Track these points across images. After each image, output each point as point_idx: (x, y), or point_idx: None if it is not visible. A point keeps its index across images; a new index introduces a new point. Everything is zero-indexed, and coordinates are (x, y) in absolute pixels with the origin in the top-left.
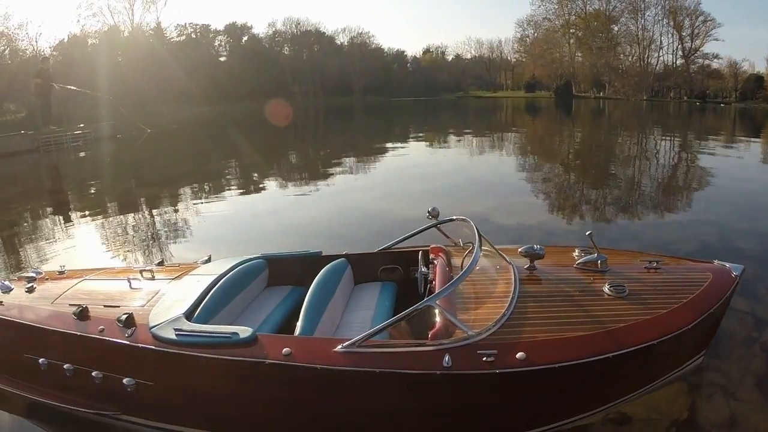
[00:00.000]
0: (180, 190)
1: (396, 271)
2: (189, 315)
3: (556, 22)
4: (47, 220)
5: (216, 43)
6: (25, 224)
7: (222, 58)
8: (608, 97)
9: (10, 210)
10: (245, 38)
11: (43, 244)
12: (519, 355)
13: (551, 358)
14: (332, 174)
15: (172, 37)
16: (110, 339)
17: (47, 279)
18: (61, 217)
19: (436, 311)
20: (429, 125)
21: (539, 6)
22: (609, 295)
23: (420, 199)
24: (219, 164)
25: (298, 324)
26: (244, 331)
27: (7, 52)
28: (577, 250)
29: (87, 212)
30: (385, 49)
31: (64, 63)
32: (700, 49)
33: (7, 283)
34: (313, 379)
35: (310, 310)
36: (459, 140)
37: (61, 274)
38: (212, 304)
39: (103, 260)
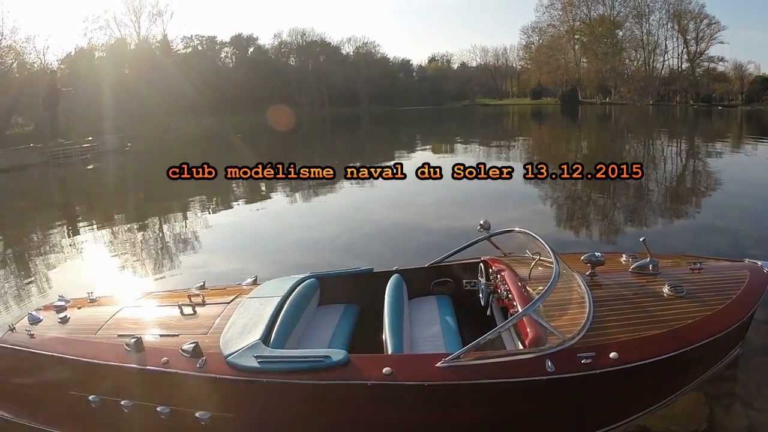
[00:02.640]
0: (192, 204)
1: (448, 284)
2: (265, 341)
3: (561, 29)
4: (60, 237)
5: (222, 55)
6: (38, 242)
7: (228, 70)
8: (614, 103)
9: (20, 225)
10: (251, 49)
11: (59, 264)
12: (612, 355)
13: (641, 355)
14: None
15: (179, 49)
16: (178, 371)
17: (78, 307)
18: (73, 234)
19: (534, 319)
20: (435, 135)
21: (544, 13)
22: (670, 295)
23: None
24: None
25: (388, 342)
26: (336, 354)
27: (14, 65)
28: (624, 256)
29: (102, 229)
30: (391, 59)
31: (71, 75)
32: (705, 52)
33: (35, 313)
34: (418, 396)
35: (394, 328)
36: (465, 148)
37: (93, 302)
38: (284, 328)
39: (133, 282)
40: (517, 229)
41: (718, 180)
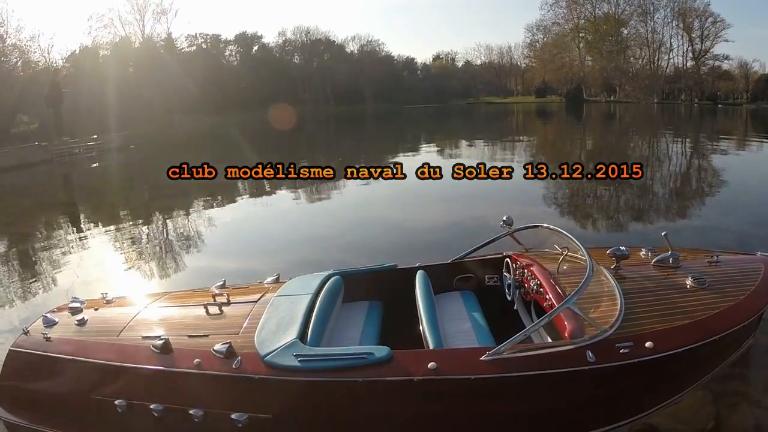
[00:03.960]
0: (198, 203)
1: (471, 279)
2: (302, 339)
3: (566, 27)
4: (66, 235)
5: (226, 53)
6: (44, 240)
7: (232, 68)
8: (619, 101)
9: (25, 223)
10: (255, 47)
11: (65, 263)
12: (648, 344)
13: (674, 344)
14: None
15: (183, 48)
16: (213, 372)
17: (95, 309)
18: (79, 233)
19: (572, 312)
20: (440, 133)
21: (548, 11)
22: (693, 286)
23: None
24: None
25: (428, 337)
26: (379, 350)
27: (19, 64)
28: (643, 250)
29: (108, 227)
30: (395, 57)
31: (76, 74)
32: (710, 50)
33: (49, 316)
34: (464, 390)
35: (432, 323)
36: (470, 145)
37: (110, 303)
38: (319, 326)
39: (143, 281)
40: (545, 225)
41: (723, 179)
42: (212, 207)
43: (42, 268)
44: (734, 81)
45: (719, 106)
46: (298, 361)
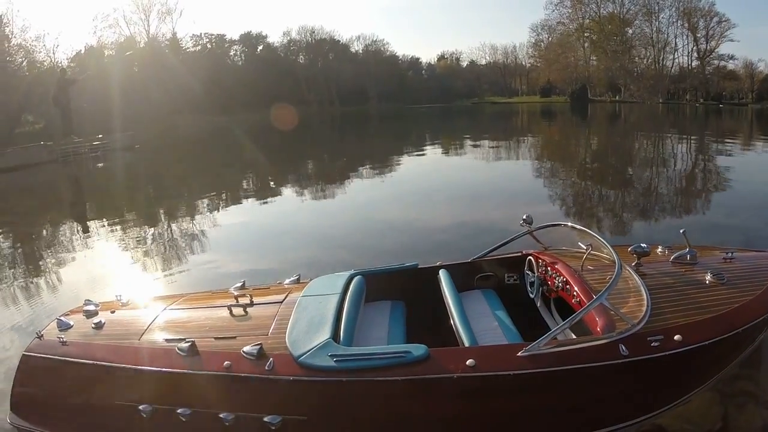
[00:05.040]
0: (203, 202)
1: (491, 278)
2: (335, 339)
3: (570, 26)
4: (72, 235)
5: (231, 53)
6: (50, 240)
7: (237, 68)
8: (624, 101)
9: (31, 223)
10: (260, 47)
11: (71, 263)
12: (676, 337)
13: (702, 336)
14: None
15: (188, 48)
16: (244, 374)
17: (111, 311)
18: (85, 232)
19: (604, 307)
20: (444, 132)
21: (553, 10)
22: (712, 282)
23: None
24: (236, 176)
25: (463, 335)
26: (416, 348)
27: (24, 64)
28: (660, 247)
29: (115, 227)
30: (400, 57)
31: (82, 73)
32: (716, 50)
33: (64, 319)
34: (504, 386)
35: (463, 321)
36: (476, 146)
37: (126, 305)
38: (350, 325)
39: (151, 282)
40: (568, 223)
41: (729, 179)
42: (216, 206)
43: (48, 268)
44: (739, 81)
45: (721, 106)
46: (334, 361)
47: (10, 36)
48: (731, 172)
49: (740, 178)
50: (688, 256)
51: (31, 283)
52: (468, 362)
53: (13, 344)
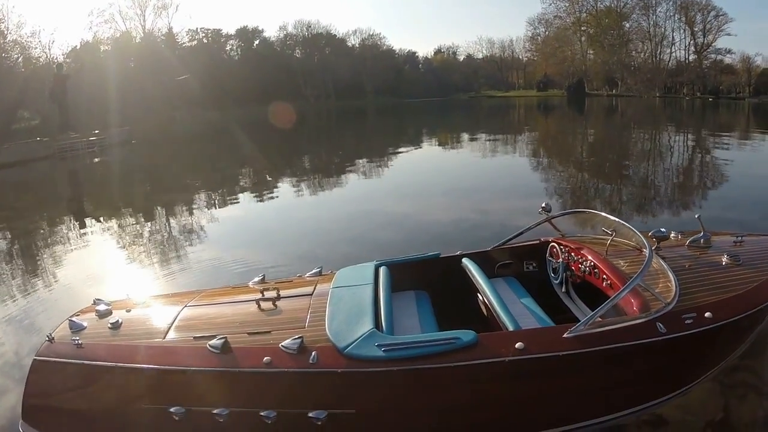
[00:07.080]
0: (200, 197)
1: (511, 266)
2: (377, 328)
3: (567, 20)
4: (68, 230)
5: (227, 48)
6: (47, 236)
7: (233, 63)
8: (621, 95)
9: (28, 218)
10: (256, 42)
11: (68, 259)
12: (707, 314)
13: (730, 313)
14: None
15: (184, 42)
16: (286, 369)
17: (126, 310)
18: (82, 228)
19: (640, 286)
20: (441, 127)
21: (550, 4)
22: (728, 263)
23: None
24: (234, 171)
25: (505, 320)
26: (465, 334)
27: (20, 60)
28: (673, 233)
29: (112, 222)
30: (397, 51)
31: (77, 69)
32: (713, 44)
33: (76, 320)
34: (551, 367)
35: (502, 306)
36: (471, 142)
37: (142, 304)
38: (389, 315)
39: (152, 279)
40: (588, 209)
41: (726, 173)
42: (215, 202)
43: (45, 265)
44: (736, 75)
45: (719, 100)
46: (382, 351)
47: (5, 32)
48: (729, 165)
49: (736, 172)
50: (702, 240)
51: (27, 276)
52: (517, 345)
53: (11, 342)
